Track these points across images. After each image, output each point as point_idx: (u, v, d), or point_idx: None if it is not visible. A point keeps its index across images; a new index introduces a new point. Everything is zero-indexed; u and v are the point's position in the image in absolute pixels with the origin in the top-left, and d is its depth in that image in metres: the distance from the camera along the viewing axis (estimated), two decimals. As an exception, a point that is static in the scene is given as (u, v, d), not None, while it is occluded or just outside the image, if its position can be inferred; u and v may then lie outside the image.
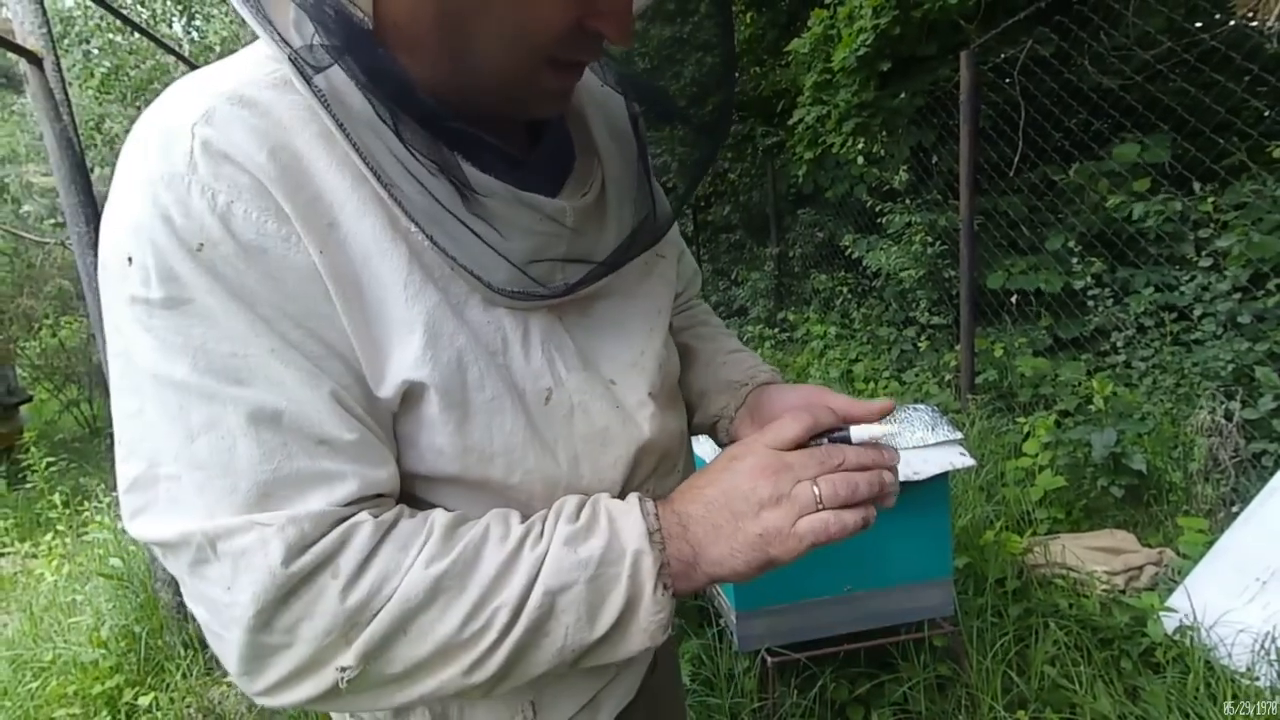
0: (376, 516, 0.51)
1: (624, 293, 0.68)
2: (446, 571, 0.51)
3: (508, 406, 0.56)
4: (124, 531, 3.49)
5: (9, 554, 4.06)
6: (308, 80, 0.48)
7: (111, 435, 0.53)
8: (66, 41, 9.05)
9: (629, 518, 0.56)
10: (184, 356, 0.47)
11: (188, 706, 2.35)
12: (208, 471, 0.47)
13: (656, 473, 0.69)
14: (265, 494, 0.48)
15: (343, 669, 0.50)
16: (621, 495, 0.64)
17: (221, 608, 0.49)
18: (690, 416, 0.85)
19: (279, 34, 0.48)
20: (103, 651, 2.54)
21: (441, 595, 0.51)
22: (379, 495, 0.53)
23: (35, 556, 3.82)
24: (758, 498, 0.56)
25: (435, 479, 0.57)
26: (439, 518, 0.54)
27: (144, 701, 2.34)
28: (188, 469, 0.47)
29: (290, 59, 0.48)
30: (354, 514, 0.50)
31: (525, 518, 0.57)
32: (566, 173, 0.65)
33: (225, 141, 0.47)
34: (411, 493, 0.58)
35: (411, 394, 0.53)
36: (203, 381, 0.47)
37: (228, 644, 0.50)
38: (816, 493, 0.55)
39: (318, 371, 0.49)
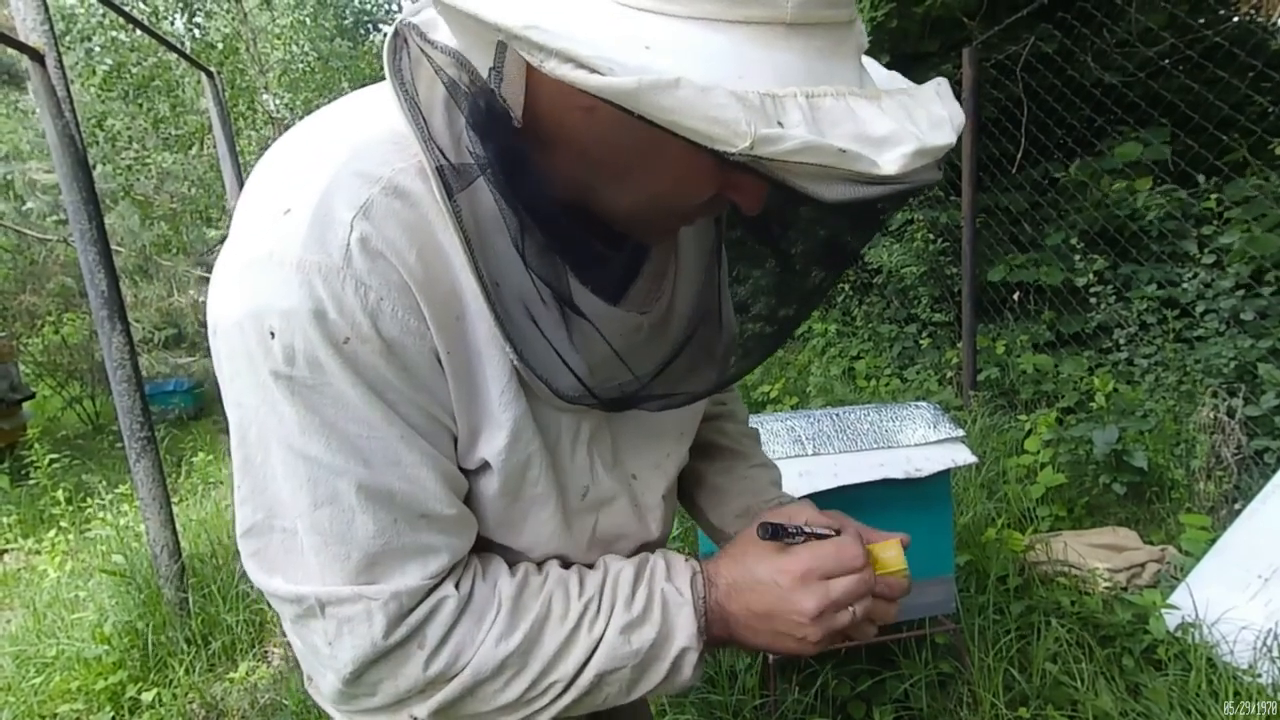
0: (459, 588, 0.57)
1: None
2: (514, 651, 0.57)
3: (551, 504, 0.62)
4: (127, 528, 3.52)
5: (12, 550, 4.07)
6: (449, 195, 0.50)
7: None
8: (69, 38, 9.03)
9: (682, 614, 0.61)
10: (319, 435, 0.51)
11: (190, 702, 2.36)
12: (325, 538, 0.52)
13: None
14: (372, 564, 0.53)
15: (414, 717, 0.58)
16: None
17: (323, 656, 0.55)
18: (697, 508, 0.90)
19: (432, 139, 0.50)
20: (106, 647, 2.54)
21: (507, 670, 0.57)
22: (462, 560, 0.59)
23: (39, 553, 3.83)
24: (803, 628, 0.61)
25: None
26: (505, 587, 0.59)
27: (147, 697, 2.35)
28: (307, 531, 0.53)
29: (437, 171, 0.49)
30: (441, 583, 0.56)
31: (582, 579, 0.62)
32: (641, 259, 0.65)
33: (381, 240, 0.49)
34: None
35: (479, 471, 0.59)
36: (334, 460, 0.51)
37: (322, 680, 0.57)
38: (853, 617, 0.62)
39: (435, 453, 0.55)
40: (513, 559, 0.64)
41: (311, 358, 0.49)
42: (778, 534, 0.62)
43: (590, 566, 0.65)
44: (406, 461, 0.53)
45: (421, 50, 0.50)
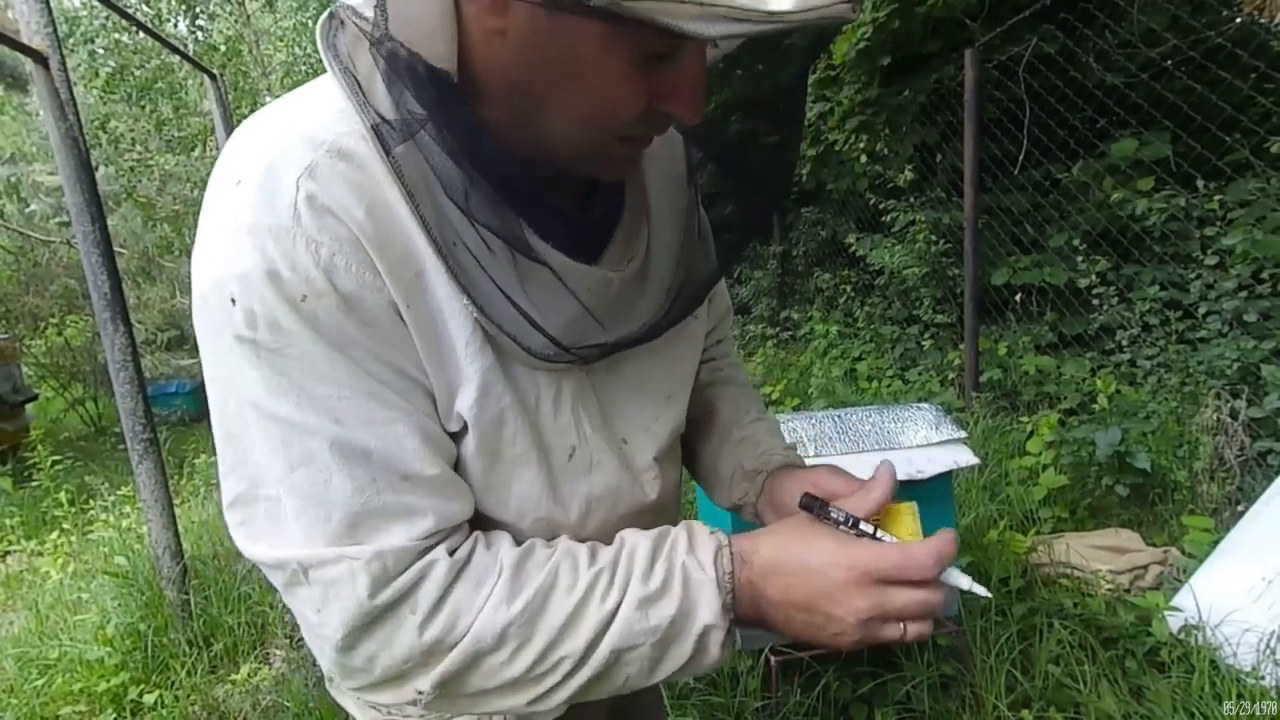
0: (452, 553, 0.55)
1: (652, 354, 0.69)
2: (516, 618, 0.54)
3: (533, 462, 0.61)
4: (129, 530, 3.52)
5: (15, 552, 4.08)
6: (387, 152, 0.51)
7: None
8: (72, 41, 9.04)
9: (705, 590, 0.57)
10: (288, 396, 0.50)
11: (192, 704, 2.36)
12: (305, 500, 0.52)
13: (655, 524, 0.72)
14: (354, 525, 0.52)
15: (420, 692, 0.56)
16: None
17: (312, 626, 0.54)
18: (706, 484, 0.87)
19: (366, 100, 0.51)
20: (108, 649, 2.55)
21: (510, 641, 0.54)
22: (454, 527, 0.56)
23: (41, 554, 3.83)
24: (843, 625, 0.56)
25: None
26: (506, 555, 0.57)
27: (149, 699, 2.35)
28: (287, 495, 0.52)
29: (373, 129, 0.51)
30: (431, 548, 0.54)
31: (593, 551, 0.59)
32: (614, 223, 0.65)
33: (327, 196, 0.50)
34: None
35: (460, 432, 0.58)
36: (305, 419, 0.51)
37: (319, 654, 0.56)
38: (902, 633, 0.57)
39: (410, 409, 0.54)
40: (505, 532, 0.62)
41: (271, 319, 0.49)
42: (813, 508, 0.58)
43: (607, 543, 0.62)
44: (379, 419, 0.52)
45: (357, 26, 0.53)
